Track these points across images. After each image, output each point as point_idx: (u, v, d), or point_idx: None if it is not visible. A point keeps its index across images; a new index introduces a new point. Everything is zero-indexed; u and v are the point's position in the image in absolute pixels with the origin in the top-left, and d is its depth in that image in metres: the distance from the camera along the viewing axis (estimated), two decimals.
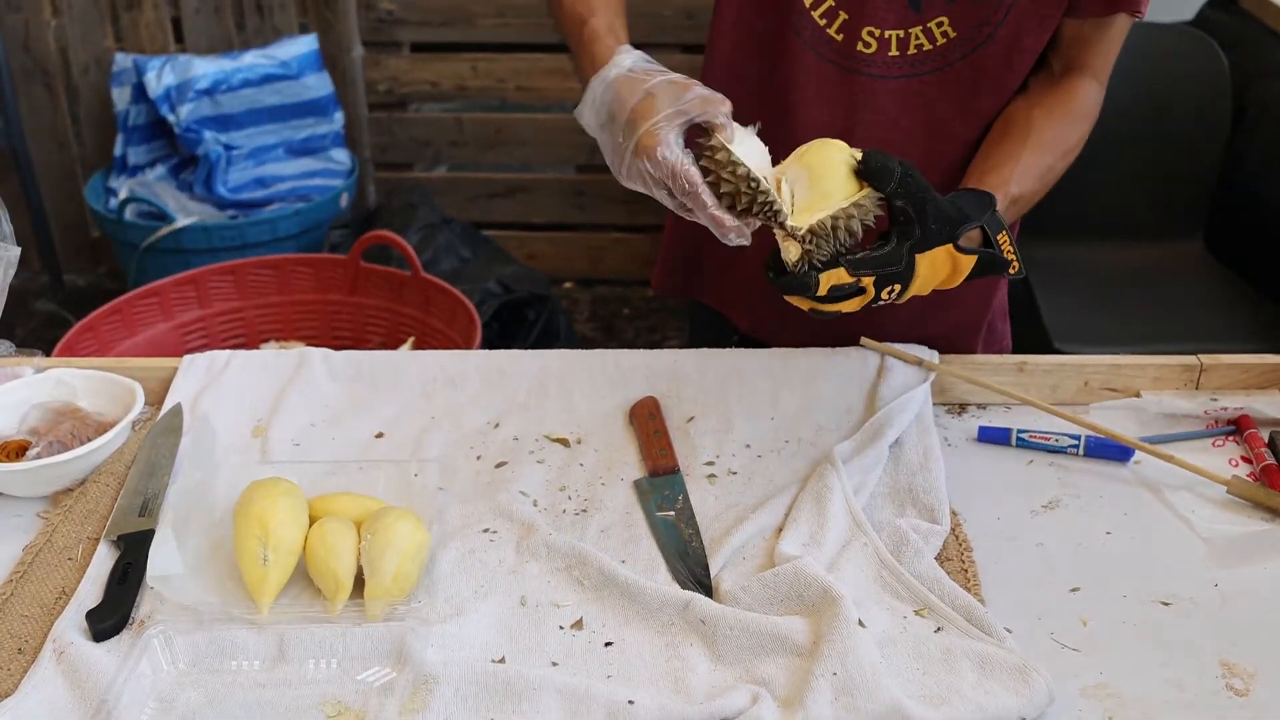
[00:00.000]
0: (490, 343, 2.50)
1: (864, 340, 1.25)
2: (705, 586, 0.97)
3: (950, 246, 1.02)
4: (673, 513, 1.06)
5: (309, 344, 2.09)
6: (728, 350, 1.27)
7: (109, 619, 0.92)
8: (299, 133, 3.07)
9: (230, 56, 3.03)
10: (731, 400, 1.21)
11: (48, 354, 1.30)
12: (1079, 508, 1.09)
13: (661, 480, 1.11)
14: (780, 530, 1.03)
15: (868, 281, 0.99)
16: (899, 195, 0.98)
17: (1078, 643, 0.93)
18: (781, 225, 0.98)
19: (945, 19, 1.17)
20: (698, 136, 1.01)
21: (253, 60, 3.01)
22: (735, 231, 0.99)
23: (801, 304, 1.01)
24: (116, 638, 0.92)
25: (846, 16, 1.18)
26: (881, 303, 1.01)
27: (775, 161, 1.02)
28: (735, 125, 1.00)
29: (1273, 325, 2.26)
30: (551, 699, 0.85)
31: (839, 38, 1.19)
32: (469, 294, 2.37)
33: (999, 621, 0.91)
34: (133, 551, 1.00)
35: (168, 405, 1.20)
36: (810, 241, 0.97)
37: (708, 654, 0.91)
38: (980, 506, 1.08)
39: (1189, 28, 2.52)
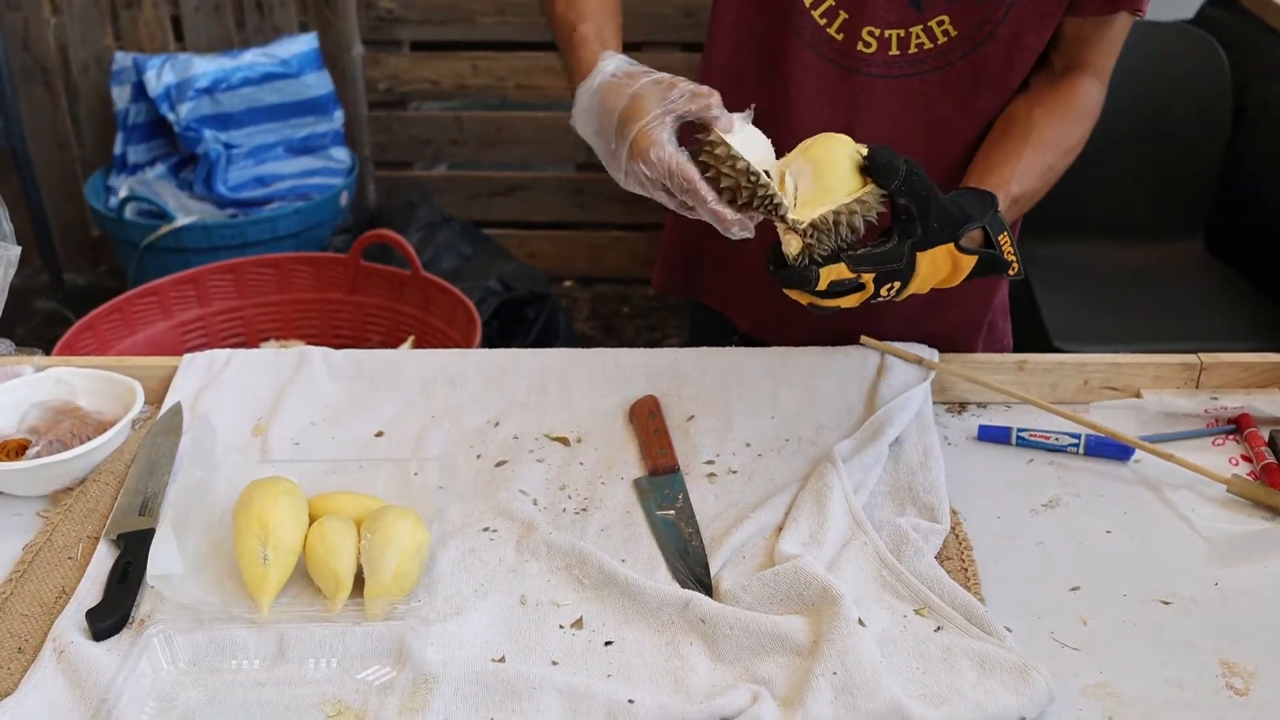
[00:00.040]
0: (490, 341, 2.50)
1: (864, 339, 1.25)
2: (705, 585, 0.97)
3: (951, 246, 1.02)
4: (673, 512, 1.06)
5: (309, 343, 2.09)
6: (728, 349, 1.27)
7: (109, 618, 0.92)
8: (299, 131, 3.07)
9: (230, 55, 3.03)
10: (731, 399, 1.21)
11: (48, 353, 1.30)
12: (1079, 507, 1.09)
13: (661, 479, 1.10)
14: (780, 529, 1.03)
15: (868, 278, 0.99)
16: (902, 193, 0.98)
17: (1078, 642, 0.93)
18: (783, 218, 0.97)
19: (946, 17, 1.17)
20: (696, 133, 1.00)
21: (252, 59, 3.01)
22: (738, 225, 0.99)
23: (801, 298, 1.01)
24: (116, 637, 0.92)
25: (847, 16, 1.18)
26: (880, 299, 1.01)
27: (779, 154, 1.02)
28: (732, 116, 1.00)
29: (1273, 324, 2.26)
30: (551, 698, 0.85)
31: (839, 37, 1.19)
32: (469, 292, 2.37)
33: (999, 620, 0.91)
34: (133, 550, 1.00)
35: (167, 404, 1.20)
36: (812, 235, 0.97)
37: (708, 653, 0.90)
38: (980, 505, 1.08)
39: (1189, 26, 2.52)
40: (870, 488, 1.07)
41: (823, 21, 1.19)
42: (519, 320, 2.77)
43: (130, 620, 0.94)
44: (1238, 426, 1.18)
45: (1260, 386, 1.24)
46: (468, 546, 1.02)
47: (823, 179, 0.98)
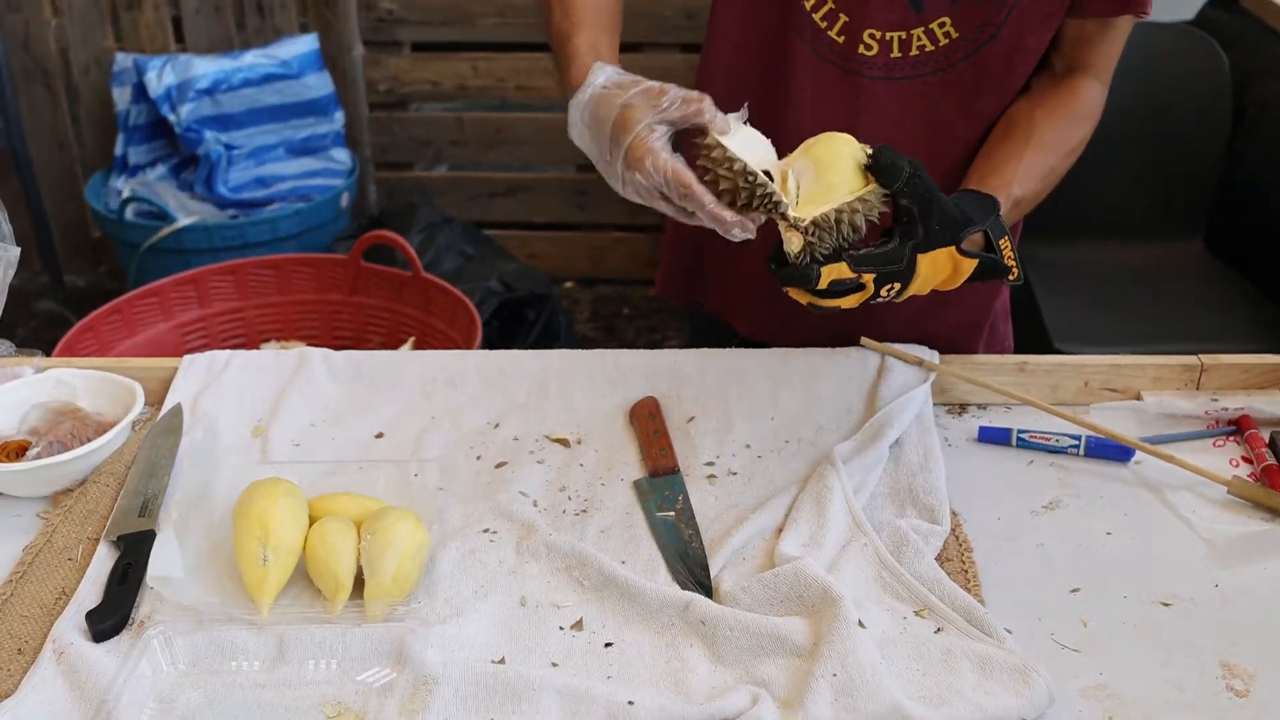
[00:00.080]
0: (490, 342, 2.50)
1: (864, 340, 1.25)
2: (705, 587, 0.97)
3: (953, 249, 1.02)
4: (673, 513, 1.06)
5: (309, 344, 2.09)
6: (728, 350, 1.27)
7: (109, 619, 0.92)
8: (299, 132, 3.07)
9: (231, 56, 3.03)
10: (731, 400, 1.21)
11: (48, 354, 1.30)
12: (1079, 508, 1.09)
13: (661, 480, 1.10)
14: (780, 531, 1.03)
15: (868, 278, 0.99)
16: (905, 194, 0.98)
17: (1078, 643, 0.93)
18: (783, 216, 0.97)
19: (947, 19, 1.17)
20: (694, 137, 1.00)
21: (253, 60, 3.02)
22: (738, 226, 0.99)
23: (801, 297, 1.01)
24: (116, 638, 0.92)
25: (847, 19, 1.18)
26: (880, 300, 1.01)
27: (779, 156, 1.02)
28: (727, 117, 1.00)
29: (1273, 325, 2.25)
30: (551, 700, 0.85)
31: (840, 40, 1.19)
32: (469, 293, 2.37)
33: (999, 622, 0.91)
34: (133, 552, 1.00)
35: (168, 405, 1.20)
36: (813, 234, 0.97)
37: (708, 655, 0.90)
38: (980, 507, 1.08)
39: (1189, 27, 2.52)
40: (870, 489, 1.07)
41: (823, 24, 1.19)
42: (519, 321, 2.77)
43: (130, 621, 0.94)
44: (1238, 428, 1.18)
45: (1260, 388, 1.24)
46: (468, 548, 1.02)
47: (825, 177, 0.98)
